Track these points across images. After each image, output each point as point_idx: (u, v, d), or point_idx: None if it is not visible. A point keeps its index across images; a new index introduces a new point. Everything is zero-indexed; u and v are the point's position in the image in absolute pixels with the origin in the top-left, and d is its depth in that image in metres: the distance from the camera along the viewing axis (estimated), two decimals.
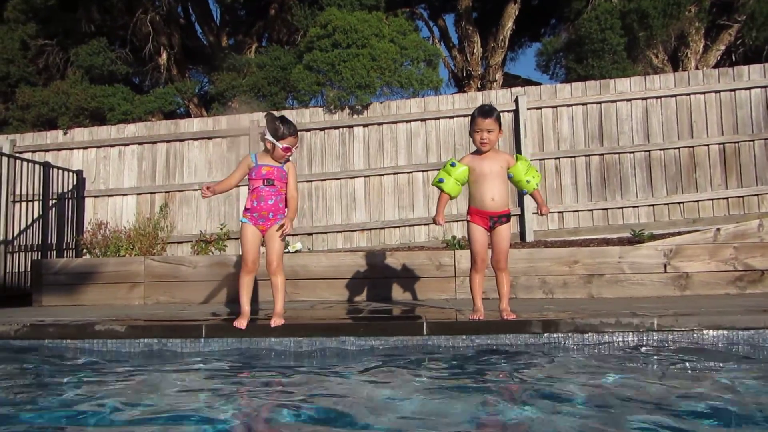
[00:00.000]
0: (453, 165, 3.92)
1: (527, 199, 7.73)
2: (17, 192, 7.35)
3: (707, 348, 3.43)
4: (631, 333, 3.57)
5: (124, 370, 3.21)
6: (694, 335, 3.53)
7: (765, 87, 7.77)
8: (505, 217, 3.91)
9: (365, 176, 8.09)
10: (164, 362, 3.47)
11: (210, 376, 3.04)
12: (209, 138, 8.37)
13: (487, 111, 3.86)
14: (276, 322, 3.75)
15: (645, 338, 3.55)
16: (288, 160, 3.92)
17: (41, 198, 7.62)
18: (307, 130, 8.23)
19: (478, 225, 3.91)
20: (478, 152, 3.93)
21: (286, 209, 3.91)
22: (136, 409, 2.35)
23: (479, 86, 11.19)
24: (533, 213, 7.73)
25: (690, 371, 2.87)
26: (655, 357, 3.24)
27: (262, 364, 3.38)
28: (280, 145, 3.78)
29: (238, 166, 3.98)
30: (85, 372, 3.13)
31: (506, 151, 4.06)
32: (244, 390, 2.77)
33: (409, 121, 8.10)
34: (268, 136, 3.81)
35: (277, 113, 4.02)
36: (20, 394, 2.69)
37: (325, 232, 8.06)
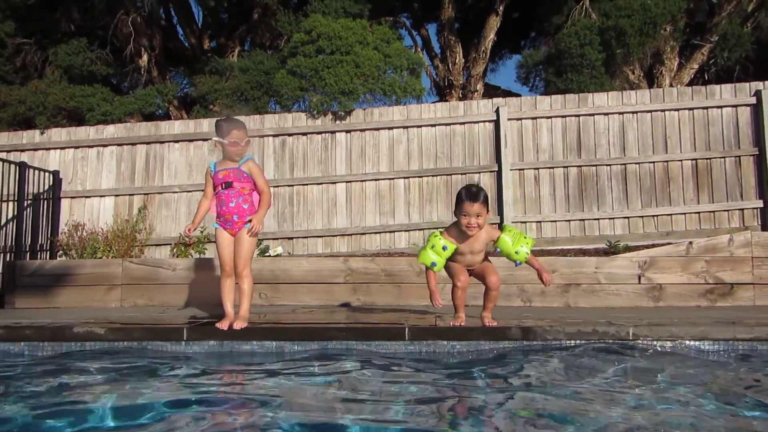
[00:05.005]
0: (445, 248, 3.76)
1: (506, 210, 7.85)
2: None
3: (678, 357, 3.53)
4: (608, 341, 3.65)
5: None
6: (667, 344, 3.64)
7: (736, 106, 8.00)
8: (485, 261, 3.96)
9: (347, 182, 8.12)
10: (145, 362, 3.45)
11: (189, 377, 3.04)
12: (190, 140, 8.32)
13: (474, 194, 3.69)
14: (239, 324, 3.78)
15: (621, 346, 3.64)
16: (248, 159, 3.91)
17: (16, 198, 7.48)
18: (290, 135, 8.24)
19: (458, 263, 3.92)
20: (460, 230, 3.77)
21: (255, 209, 3.90)
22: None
23: (461, 96, 11.33)
24: (512, 222, 7.84)
25: (658, 379, 2.96)
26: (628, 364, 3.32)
27: (242, 367, 3.38)
28: (225, 141, 3.81)
29: (205, 180, 4.01)
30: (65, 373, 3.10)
31: (489, 224, 3.90)
32: (221, 391, 2.79)
33: (392, 128, 8.16)
34: (215, 138, 3.89)
35: (224, 116, 4.15)
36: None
37: (306, 237, 8.06)
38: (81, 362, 3.36)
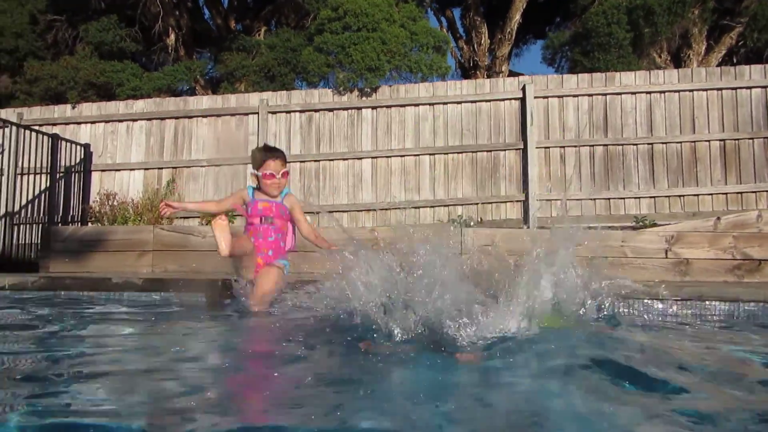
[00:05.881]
0: None
1: (531, 185, 7.84)
2: (24, 164, 7.37)
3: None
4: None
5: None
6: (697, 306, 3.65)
7: (765, 87, 7.90)
8: None
9: (372, 157, 8.18)
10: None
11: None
12: (218, 116, 8.42)
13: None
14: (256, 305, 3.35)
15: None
16: (288, 193, 3.50)
17: (48, 171, 7.65)
18: (316, 111, 8.31)
19: None
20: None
21: (286, 250, 3.51)
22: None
23: (485, 76, 11.31)
24: (537, 200, 7.84)
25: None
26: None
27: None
28: (259, 173, 3.37)
29: (232, 195, 3.62)
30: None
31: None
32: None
33: (418, 104, 8.19)
34: (251, 170, 3.46)
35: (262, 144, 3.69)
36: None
37: (331, 211, 8.14)
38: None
